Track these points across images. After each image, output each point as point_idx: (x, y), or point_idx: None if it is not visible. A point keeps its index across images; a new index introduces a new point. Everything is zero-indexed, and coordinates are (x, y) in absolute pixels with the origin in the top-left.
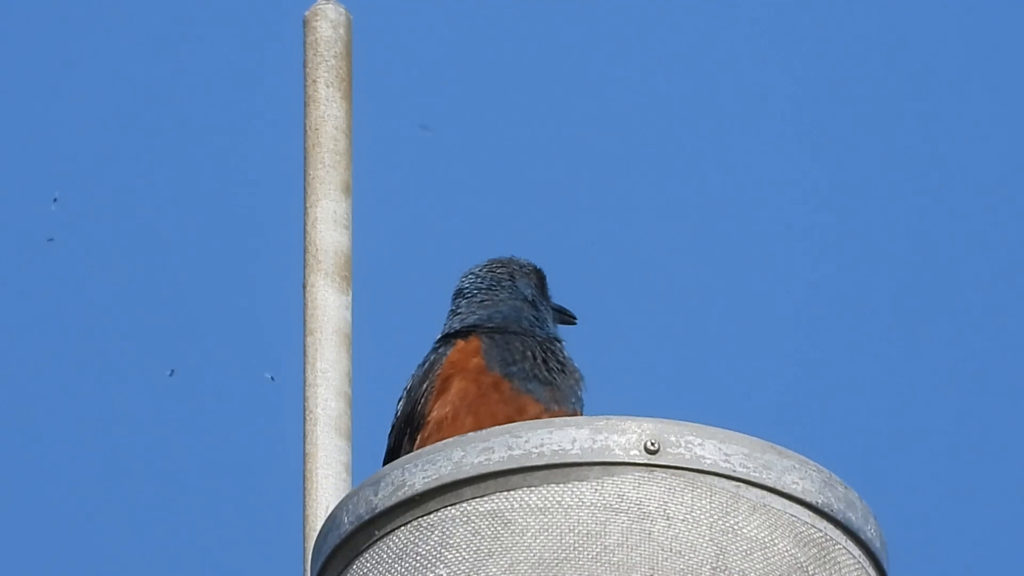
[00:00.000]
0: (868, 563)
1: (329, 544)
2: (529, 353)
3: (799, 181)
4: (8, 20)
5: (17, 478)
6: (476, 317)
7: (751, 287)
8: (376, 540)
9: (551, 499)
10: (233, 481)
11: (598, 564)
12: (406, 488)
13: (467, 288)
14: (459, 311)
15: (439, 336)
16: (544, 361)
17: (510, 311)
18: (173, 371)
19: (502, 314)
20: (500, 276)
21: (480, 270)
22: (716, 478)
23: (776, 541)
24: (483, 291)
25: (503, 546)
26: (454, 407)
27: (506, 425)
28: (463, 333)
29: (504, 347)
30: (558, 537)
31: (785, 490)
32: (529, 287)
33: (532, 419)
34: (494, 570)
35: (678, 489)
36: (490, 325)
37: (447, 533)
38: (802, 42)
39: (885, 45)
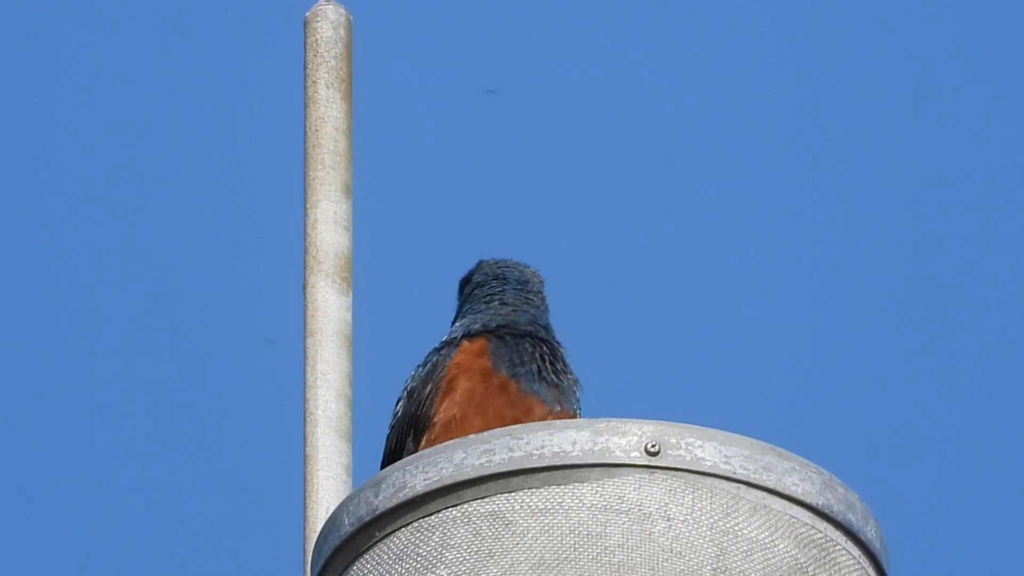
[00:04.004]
0: (868, 564)
1: (329, 545)
2: (537, 354)
3: (798, 182)
4: (8, 20)
5: (17, 479)
6: (501, 319)
7: (751, 288)
8: (377, 541)
9: (552, 500)
10: (234, 483)
11: (598, 565)
12: (407, 490)
13: (505, 288)
14: (484, 310)
15: (455, 333)
16: (551, 363)
17: (537, 315)
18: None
19: (529, 315)
20: (537, 284)
21: (519, 272)
22: (717, 480)
23: (776, 542)
24: (520, 295)
25: (504, 547)
26: (462, 409)
27: (507, 427)
28: (470, 334)
29: (514, 348)
30: (559, 538)
31: (785, 492)
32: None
33: (539, 420)
34: (495, 571)
35: (679, 490)
36: (504, 326)
37: (448, 534)
38: (807, 40)
39: (892, 43)
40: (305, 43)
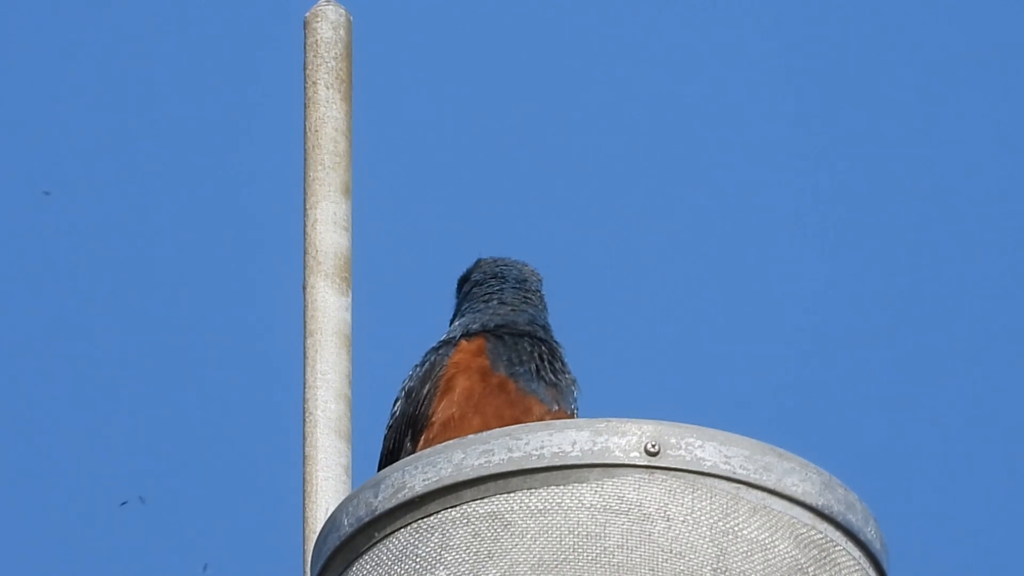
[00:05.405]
0: (868, 564)
1: (329, 546)
2: (536, 354)
3: (798, 182)
4: (8, 20)
5: (17, 479)
6: (500, 318)
7: (751, 289)
8: (376, 542)
9: (551, 501)
10: (233, 483)
11: (598, 565)
12: (406, 490)
13: (503, 286)
14: (483, 309)
15: (453, 333)
16: (550, 362)
17: (536, 314)
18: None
19: (527, 315)
20: (535, 283)
21: (517, 270)
22: (716, 480)
23: (776, 543)
24: (519, 294)
25: (503, 548)
26: (460, 408)
27: (506, 427)
28: (468, 333)
29: (512, 347)
30: (558, 539)
31: (785, 492)
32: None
33: (537, 419)
34: (494, 572)
35: (678, 491)
36: (503, 325)
37: (447, 535)
38: (803, 40)
39: (888, 42)
40: (305, 43)
